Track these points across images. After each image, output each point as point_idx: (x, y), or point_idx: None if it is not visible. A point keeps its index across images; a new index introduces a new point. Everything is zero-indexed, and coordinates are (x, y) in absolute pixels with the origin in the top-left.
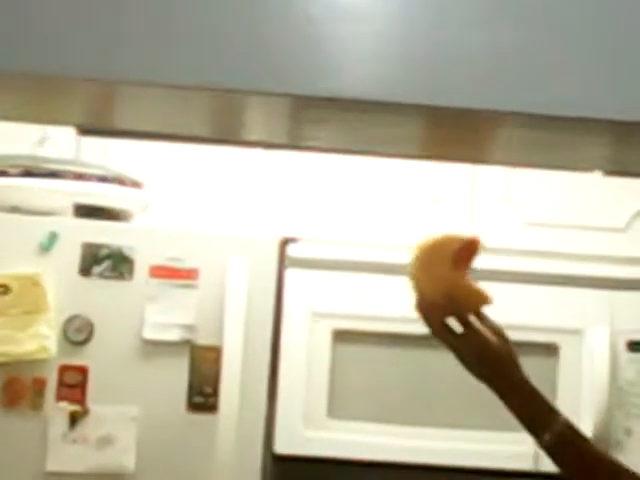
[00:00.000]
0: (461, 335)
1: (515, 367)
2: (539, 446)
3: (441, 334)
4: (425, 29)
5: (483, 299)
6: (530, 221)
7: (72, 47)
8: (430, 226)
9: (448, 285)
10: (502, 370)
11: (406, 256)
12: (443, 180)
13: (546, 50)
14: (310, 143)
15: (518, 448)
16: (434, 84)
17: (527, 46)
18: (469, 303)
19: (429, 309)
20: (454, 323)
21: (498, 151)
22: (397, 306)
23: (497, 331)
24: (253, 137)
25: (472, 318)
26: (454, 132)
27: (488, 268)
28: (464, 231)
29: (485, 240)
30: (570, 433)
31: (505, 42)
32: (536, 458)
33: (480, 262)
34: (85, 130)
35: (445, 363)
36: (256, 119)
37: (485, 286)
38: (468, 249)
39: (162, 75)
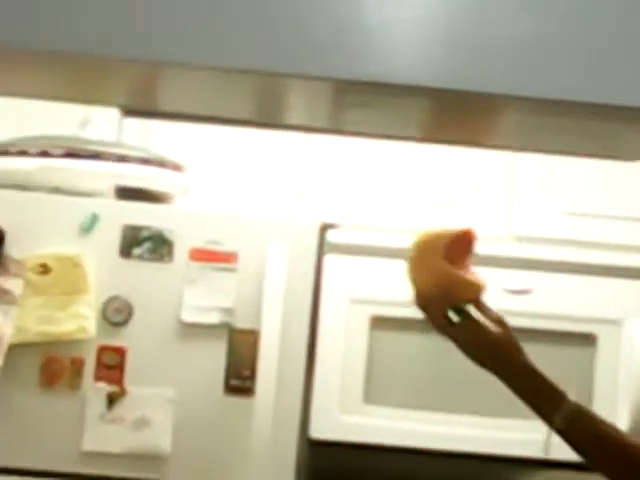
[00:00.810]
0: (460, 326)
1: (517, 352)
2: (550, 429)
3: (440, 326)
4: (468, 14)
5: (477, 288)
6: (571, 210)
7: (117, 28)
8: (470, 213)
9: (441, 278)
10: (504, 356)
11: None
12: (484, 167)
13: (591, 37)
14: (351, 128)
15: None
16: (477, 70)
17: (572, 33)
18: (464, 294)
19: (426, 303)
20: (452, 315)
21: (541, 139)
22: None
23: (496, 318)
24: (295, 121)
25: (470, 308)
26: (496, 119)
27: (527, 257)
28: (504, 219)
29: (525, 229)
30: (580, 413)
31: (549, 28)
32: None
33: (520, 251)
34: (129, 111)
35: None
36: (298, 103)
37: (524, 275)
38: (461, 241)
39: (205, 57)
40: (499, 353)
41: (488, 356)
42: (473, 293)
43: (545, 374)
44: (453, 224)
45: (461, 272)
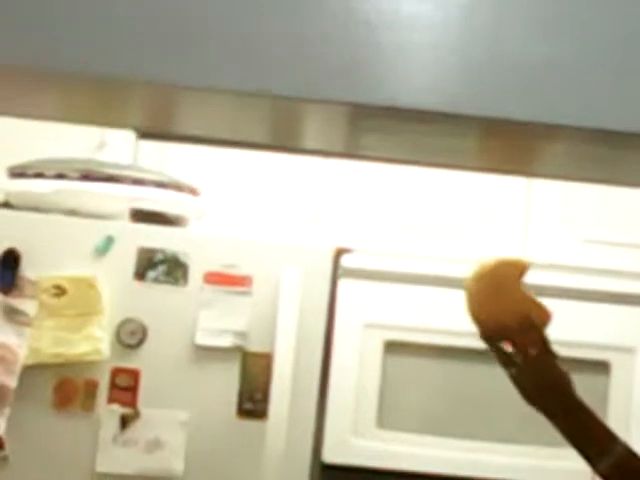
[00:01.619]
0: (535, 358)
1: (573, 390)
2: (594, 472)
3: (515, 359)
4: (485, 40)
5: (551, 314)
6: (586, 238)
7: (133, 50)
8: (485, 240)
9: (524, 305)
10: (563, 393)
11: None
12: (500, 194)
13: (607, 63)
14: (367, 152)
15: (568, 464)
16: (493, 95)
17: (588, 59)
18: (544, 319)
19: (502, 333)
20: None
21: (556, 165)
22: (449, 319)
23: (556, 353)
24: (310, 145)
25: (546, 338)
26: (512, 144)
27: (542, 284)
28: (519, 246)
29: (540, 256)
30: (629, 459)
31: (567, 54)
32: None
33: (535, 278)
34: (144, 134)
35: (495, 377)
36: (313, 127)
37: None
38: (526, 270)
39: (221, 80)
40: (560, 389)
41: (548, 393)
42: (548, 320)
43: (598, 415)
44: (505, 253)
45: (534, 298)
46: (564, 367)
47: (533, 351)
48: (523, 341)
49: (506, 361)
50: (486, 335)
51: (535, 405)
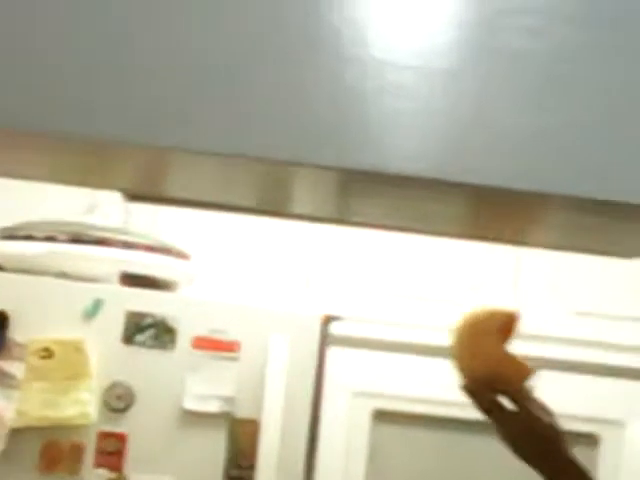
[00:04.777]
0: (513, 412)
1: (564, 446)
2: None
3: (491, 412)
4: (470, 107)
5: (528, 372)
6: (576, 310)
7: (122, 113)
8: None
9: (496, 359)
10: (552, 449)
11: (448, 337)
12: (488, 263)
13: (594, 132)
14: (356, 218)
15: None
16: (478, 162)
17: (577, 127)
18: (517, 377)
19: (478, 386)
20: (505, 401)
21: (543, 234)
22: (438, 388)
23: (544, 407)
24: (300, 210)
25: (523, 394)
26: (498, 212)
27: (531, 355)
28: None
29: (529, 327)
30: None
31: (555, 122)
32: None
33: (523, 349)
34: (133, 196)
35: (485, 447)
36: (302, 191)
37: None
38: (508, 323)
39: (210, 143)
40: (548, 445)
41: (536, 447)
42: (524, 377)
43: (589, 471)
44: (498, 305)
45: (512, 354)
46: (555, 421)
47: (508, 405)
48: (498, 395)
49: (486, 413)
50: (463, 386)
51: (519, 457)
